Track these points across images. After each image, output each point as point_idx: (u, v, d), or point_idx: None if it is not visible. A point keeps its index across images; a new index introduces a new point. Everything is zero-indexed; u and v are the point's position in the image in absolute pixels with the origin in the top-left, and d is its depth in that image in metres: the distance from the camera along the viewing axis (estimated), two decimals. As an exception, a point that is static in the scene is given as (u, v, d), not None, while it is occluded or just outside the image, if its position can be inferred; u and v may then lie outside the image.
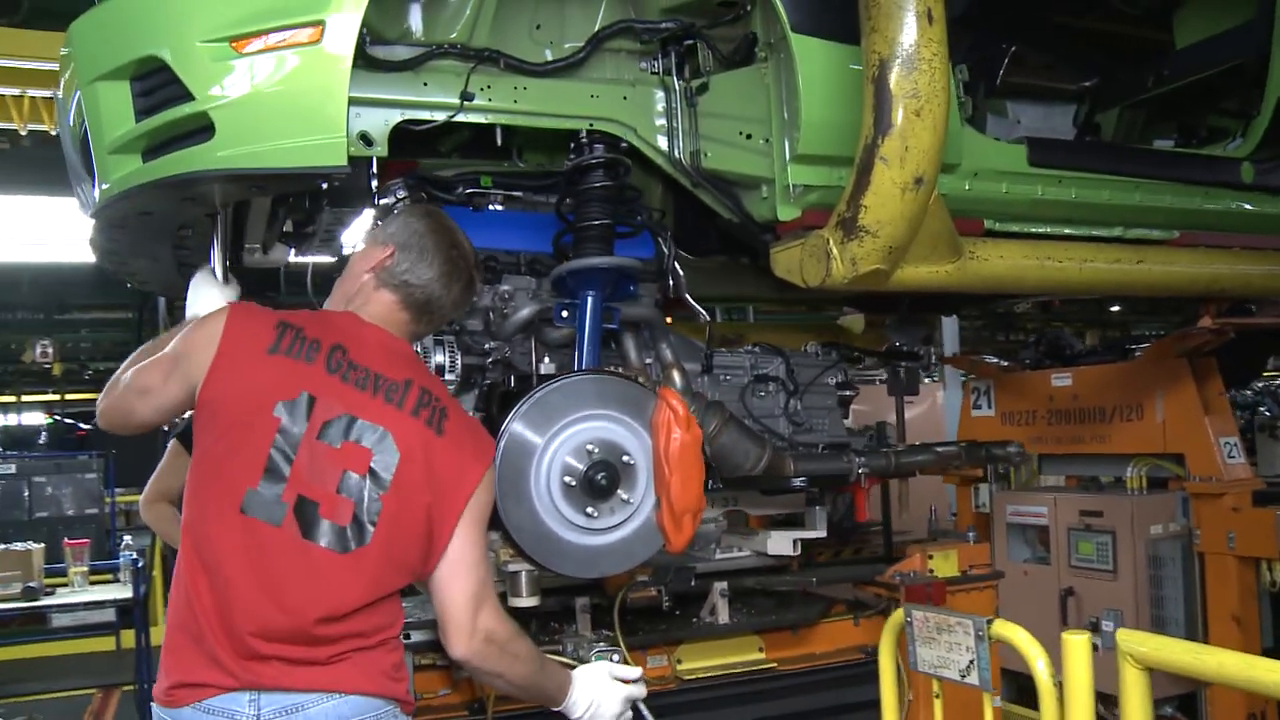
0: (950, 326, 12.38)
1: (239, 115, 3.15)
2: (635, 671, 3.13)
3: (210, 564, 2.39)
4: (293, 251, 4.40)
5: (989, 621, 3.26)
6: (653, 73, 3.99)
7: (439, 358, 3.68)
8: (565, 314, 3.84)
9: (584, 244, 3.81)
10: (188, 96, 3.15)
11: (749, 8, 3.79)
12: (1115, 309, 20.51)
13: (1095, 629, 5.86)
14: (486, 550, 2.64)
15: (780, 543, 4.45)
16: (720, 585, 4.32)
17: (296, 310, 2.69)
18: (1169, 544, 6.00)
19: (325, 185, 3.38)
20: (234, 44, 3.14)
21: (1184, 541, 6.00)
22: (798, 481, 4.13)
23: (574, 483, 3.54)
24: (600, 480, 3.53)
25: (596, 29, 3.89)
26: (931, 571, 4.49)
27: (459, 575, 2.55)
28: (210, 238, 3.70)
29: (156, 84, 3.21)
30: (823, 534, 4.54)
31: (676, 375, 4.07)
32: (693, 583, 4.29)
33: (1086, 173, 4.22)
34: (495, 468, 2.61)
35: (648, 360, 4.15)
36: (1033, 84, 5.73)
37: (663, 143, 3.93)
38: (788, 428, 4.50)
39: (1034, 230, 4.19)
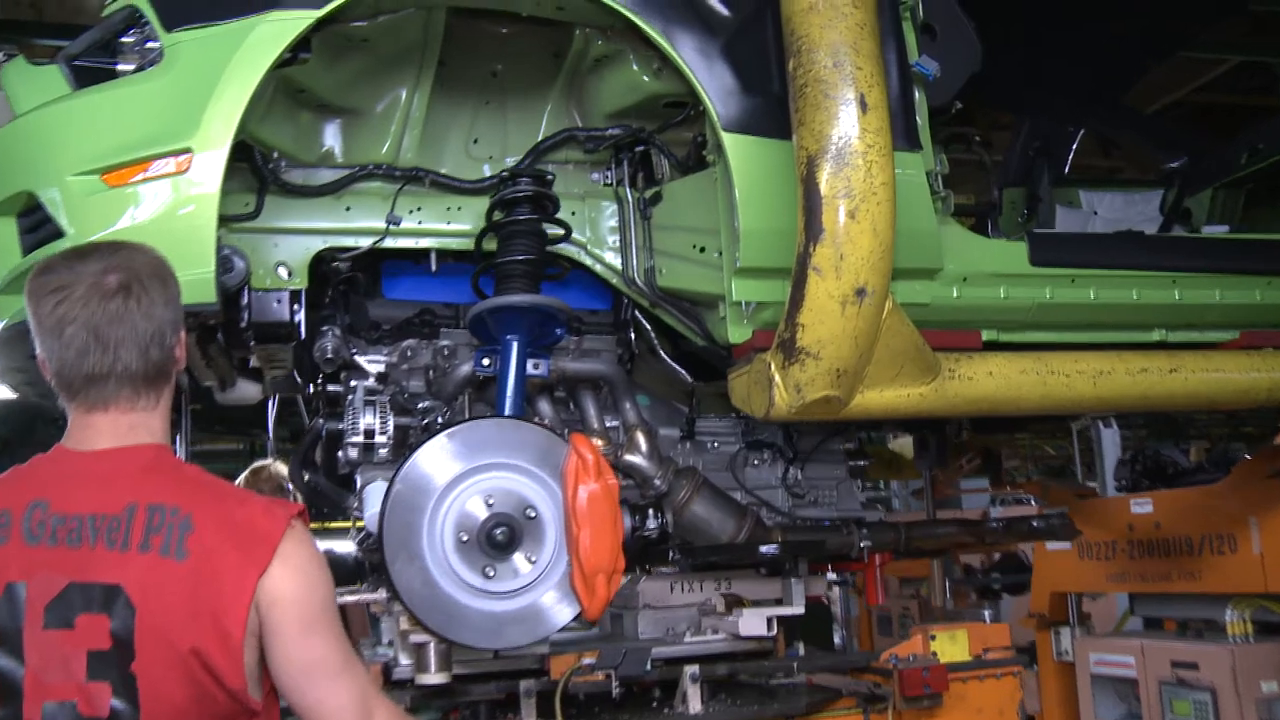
0: (1110, 439, 10.88)
1: (107, 252, 2.93)
2: None
3: None
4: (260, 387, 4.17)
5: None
6: (606, 184, 3.70)
7: (368, 419, 3.41)
8: (487, 361, 3.50)
9: (504, 282, 3.45)
10: (61, 233, 2.96)
11: (700, 107, 3.45)
12: (1311, 411, 18.69)
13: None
14: (346, 648, 2.12)
15: (754, 622, 3.94)
16: (691, 670, 3.84)
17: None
18: (1287, 708, 5.10)
19: (210, 323, 3.13)
20: (105, 177, 2.96)
21: (1304, 706, 5.08)
22: (765, 550, 3.72)
23: (468, 538, 3.17)
24: (498, 535, 3.16)
25: (539, 140, 3.62)
26: (934, 655, 3.91)
27: (323, 689, 2.05)
28: None
29: (39, 220, 3.05)
30: (800, 610, 4.05)
31: (642, 438, 3.72)
32: (648, 667, 3.82)
33: (1107, 270, 3.71)
34: (297, 548, 2.04)
35: (611, 423, 3.79)
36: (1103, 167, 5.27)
37: (615, 260, 3.61)
38: (786, 500, 4.08)
39: (1049, 339, 3.70)
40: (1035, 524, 4.64)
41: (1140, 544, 5.85)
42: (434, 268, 3.59)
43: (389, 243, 3.49)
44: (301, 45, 3.11)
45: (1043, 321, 3.65)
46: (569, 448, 3.25)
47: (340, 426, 3.48)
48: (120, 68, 3.11)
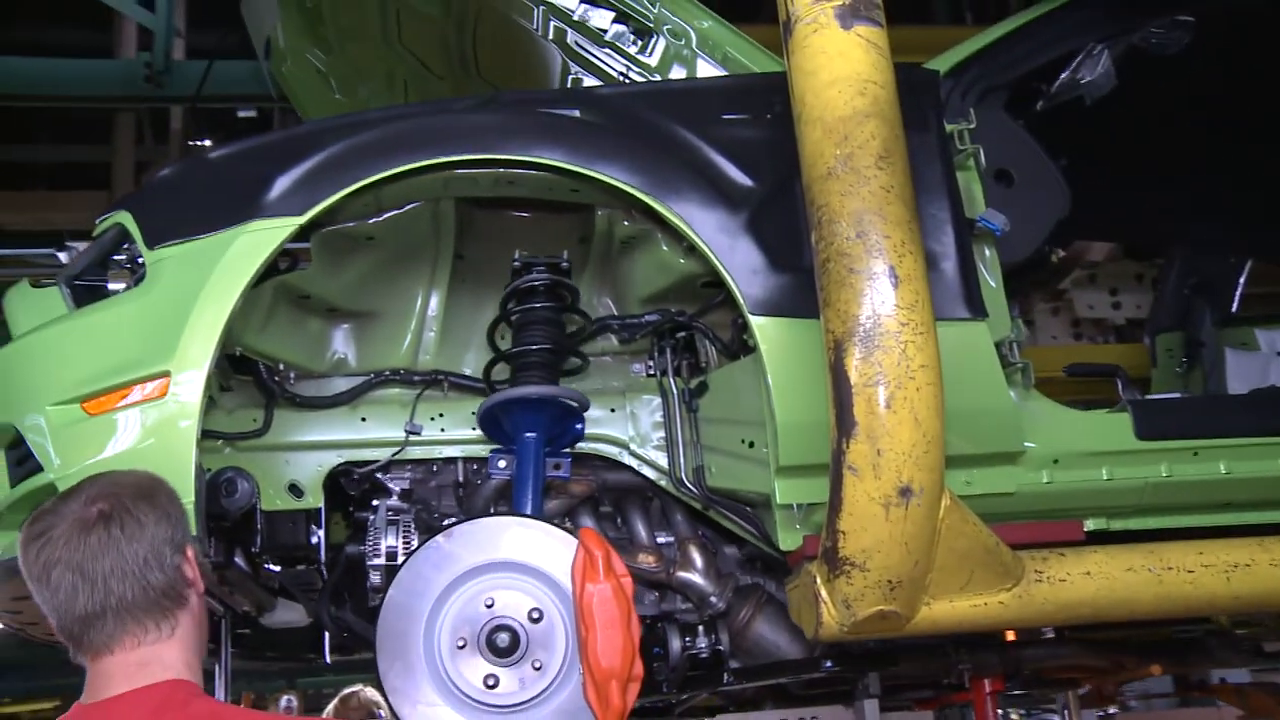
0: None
1: (85, 487, 2.73)
2: None
3: None
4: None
5: None
6: (649, 374, 3.37)
7: (390, 540, 3.12)
8: (503, 463, 3.15)
9: (519, 374, 3.15)
10: (40, 466, 2.78)
11: None
12: None
13: None
14: None
15: None
16: None
17: None
18: None
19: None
20: (84, 405, 2.78)
21: None
22: (826, 665, 3.31)
23: (465, 644, 2.79)
24: (499, 641, 2.78)
25: (572, 332, 3.33)
26: None
27: None
28: None
29: (25, 453, 2.87)
30: None
31: (696, 554, 3.32)
32: None
33: (1241, 438, 3.16)
34: None
35: (664, 539, 3.39)
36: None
37: (662, 459, 3.26)
38: None
39: (1173, 524, 3.16)
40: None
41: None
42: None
43: (411, 453, 3.23)
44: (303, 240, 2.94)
45: (1161, 505, 3.12)
46: (577, 544, 2.88)
47: (361, 549, 3.20)
48: (111, 286, 2.96)
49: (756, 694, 3.99)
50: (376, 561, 3.12)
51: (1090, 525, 3.07)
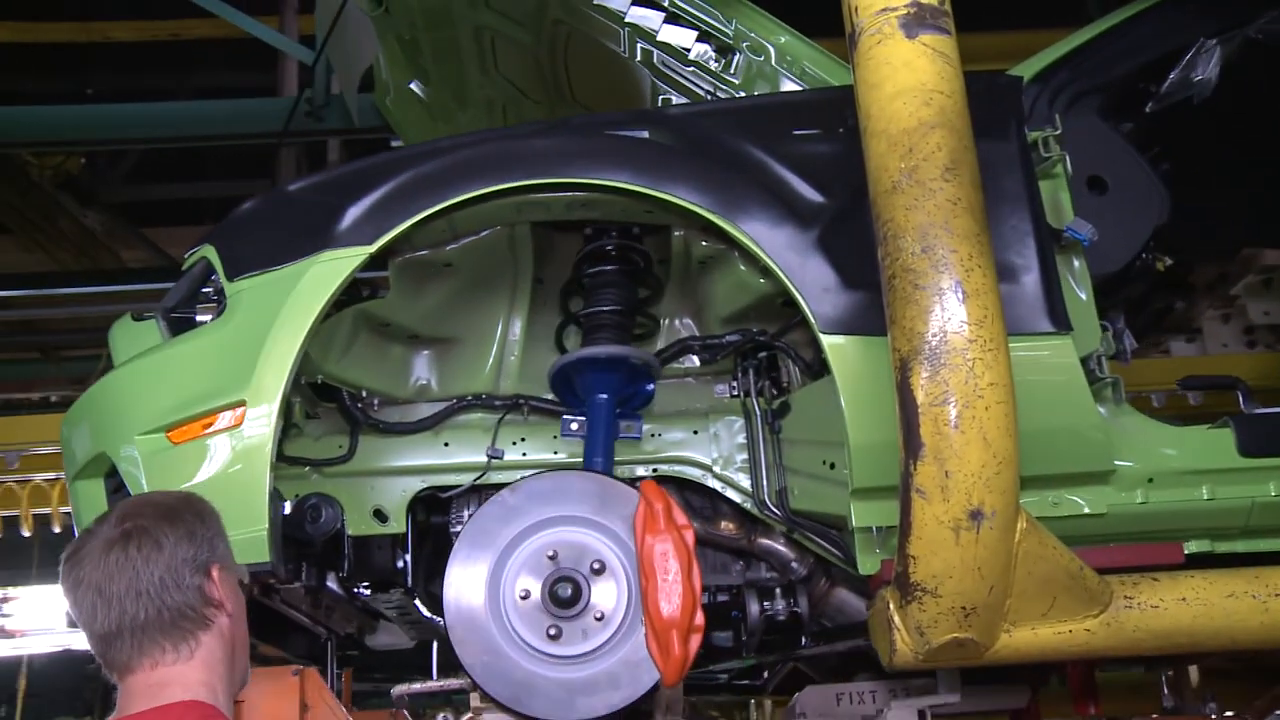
0: None
1: (169, 513, 2.80)
2: None
3: None
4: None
5: None
6: (733, 395, 3.32)
7: (472, 509, 3.17)
8: (575, 426, 3.20)
9: (590, 335, 3.19)
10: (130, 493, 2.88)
11: None
12: None
13: None
14: None
15: (903, 715, 3.31)
16: None
17: None
18: None
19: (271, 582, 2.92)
20: (169, 434, 2.86)
21: None
22: None
23: (528, 595, 2.85)
24: (560, 592, 2.83)
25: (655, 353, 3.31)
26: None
27: None
28: None
29: (120, 481, 2.98)
30: (955, 698, 3.33)
31: None
32: None
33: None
34: None
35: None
36: None
37: (745, 481, 3.21)
38: None
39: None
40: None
41: None
42: None
43: (492, 477, 3.24)
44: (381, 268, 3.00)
45: (1270, 526, 2.95)
46: (639, 497, 2.91)
47: (445, 519, 3.24)
48: (199, 318, 3.05)
49: (846, 664, 3.87)
50: (459, 529, 3.14)
51: (1192, 547, 2.92)
